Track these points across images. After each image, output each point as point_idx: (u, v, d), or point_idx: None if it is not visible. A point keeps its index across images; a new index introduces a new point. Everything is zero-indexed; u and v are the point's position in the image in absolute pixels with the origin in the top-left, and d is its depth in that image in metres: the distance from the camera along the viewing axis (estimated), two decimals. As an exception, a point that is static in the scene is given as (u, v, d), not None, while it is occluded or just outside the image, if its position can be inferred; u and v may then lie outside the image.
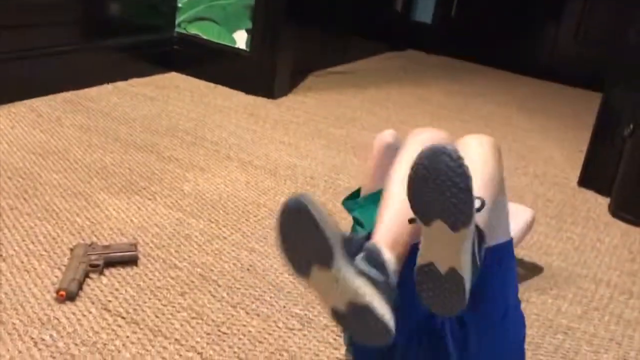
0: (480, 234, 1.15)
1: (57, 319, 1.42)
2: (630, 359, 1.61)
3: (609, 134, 2.55)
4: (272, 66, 3.19)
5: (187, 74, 3.33)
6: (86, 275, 1.58)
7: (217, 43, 3.28)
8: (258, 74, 3.20)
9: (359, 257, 1.15)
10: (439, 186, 1.05)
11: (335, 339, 1.50)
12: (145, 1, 3.20)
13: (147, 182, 2.13)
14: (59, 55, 2.78)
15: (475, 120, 3.38)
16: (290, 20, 3.20)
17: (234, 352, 1.41)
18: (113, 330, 1.42)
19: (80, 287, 1.53)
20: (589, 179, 2.62)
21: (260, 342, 1.45)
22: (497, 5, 4.58)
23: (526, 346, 1.39)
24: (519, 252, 2.01)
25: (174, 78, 3.29)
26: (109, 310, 1.48)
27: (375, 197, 1.62)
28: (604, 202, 2.50)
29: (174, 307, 1.53)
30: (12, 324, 1.39)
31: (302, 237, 1.12)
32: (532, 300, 1.79)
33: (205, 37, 3.31)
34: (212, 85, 3.26)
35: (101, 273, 1.60)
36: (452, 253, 1.09)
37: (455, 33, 4.72)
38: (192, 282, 1.63)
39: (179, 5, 3.33)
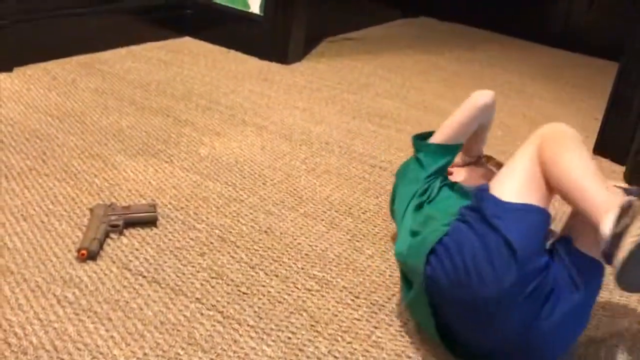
0: None
1: (79, 278, 1.44)
2: (645, 324, 1.62)
3: (625, 103, 2.54)
4: (286, 31, 3.17)
5: (201, 38, 3.32)
6: (106, 235, 1.59)
7: (230, 7, 3.26)
8: (271, 39, 3.18)
9: None
10: None
11: (353, 300, 1.51)
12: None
13: (163, 145, 2.14)
14: (73, 18, 2.77)
15: (490, 88, 3.30)
16: (304, -15, 3.17)
17: (255, 312, 1.42)
18: (134, 289, 1.44)
19: (101, 247, 1.55)
20: (604, 147, 2.61)
21: (279, 302, 1.47)
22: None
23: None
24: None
25: (188, 43, 3.28)
26: (130, 270, 1.50)
27: (448, 150, 1.63)
28: (619, 170, 2.50)
29: (193, 267, 1.54)
30: (35, 282, 1.41)
31: None
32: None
33: (218, 2, 3.29)
34: (225, 50, 3.25)
35: (121, 233, 1.61)
36: None
37: (468, 0, 4.67)
38: (211, 243, 1.65)
39: (193, -31, 3.30)
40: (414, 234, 1.44)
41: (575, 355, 1.45)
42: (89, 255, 1.50)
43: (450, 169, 1.79)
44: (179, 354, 1.28)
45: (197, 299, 1.44)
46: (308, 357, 1.32)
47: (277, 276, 1.56)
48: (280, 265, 1.61)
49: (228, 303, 1.44)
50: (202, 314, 1.39)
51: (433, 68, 3.58)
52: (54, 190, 1.77)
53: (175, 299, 1.42)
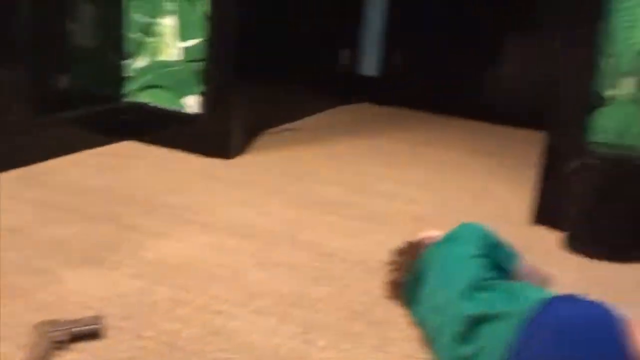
0: None
1: (25, 400, 1.40)
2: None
3: (555, 171, 2.64)
4: (226, 128, 3.23)
5: (141, 141, 3.34)
6: (51, 353, 1.55)
7: (168, 109, 3.32)
8: (212, 137, 3.23)
9: None
10: None
11: (309, 396, 1.50)
12: (93, 73, 3.23)
13: (108, 253, 2.12)
14: (11, 131, 2.77)
15: (427, 166, 3.46)
16: (241, 81, 3.26)
17: (209, 418, 1.40)
18: (83, 406, 1.40)
19: (46, 366, 1.51)
20: (539, 216, 2.69)
21: (234, 405, 1.44)
22: (439, 54, 4.73)
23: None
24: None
25: (128, 146, 3.30)
26: (78, 387, 1.46)
27: None
28: (556, 237, 2.57)
29: (144, 377, 1.51)
30: (-21, 410, 1.36)
31: None
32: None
33: (155, 104, 3.34)
34: (166, 150, 3.28)
35: (67, 349, 1.57)
36: None
37: (402, 84, 4.85)
38: (160, 351, 1.62)
39: (127, 75, 3.36)
40: None
41: None
42: (34, 376, 1.46)
43: None
44: None
45: (149, 410, 1.40)
46: None
47: (230, 378, 1.54)
48: (233, 366, 1.59)
49: (181, 412, 1.41)
50: None
51: (373, 151, 3.67)
52: (-4, 310, 1.73)
53: (126, 413, 1.39)
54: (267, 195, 2.81)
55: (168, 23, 3.23)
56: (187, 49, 3.23)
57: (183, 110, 3.29)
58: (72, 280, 1.92)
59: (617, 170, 2.43)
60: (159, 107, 3.34)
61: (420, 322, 1.62)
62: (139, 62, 3.34)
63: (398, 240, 1.95)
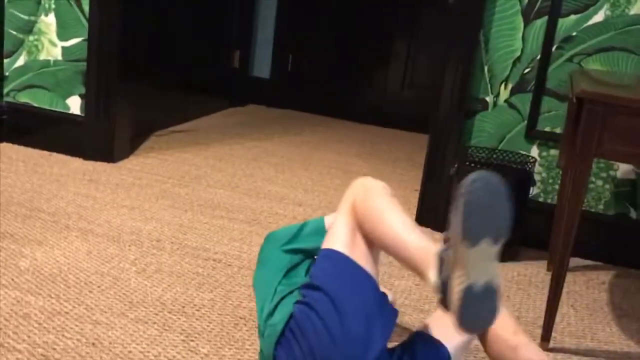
0: None
1: None
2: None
3: (438, 173, 2.73)
4: (110, 130, 3.14)
5: (19, 143, 3.20)
6: None
7: (49, 110, 3.19)
8: (95, 139, 3.13)
9: None
10: (494, 207, 1.21)
11: (188, 404, 1.48)
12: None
13: (-22, 263, 2.01)
14: None
15: (319, 169, 3.49)
16: (125, 82, 3.17)
17: None
18: None
19: None
20: (424, 217, 2.77)
21: (109, 418, 1.40)
22: (330, 58, 4.79)
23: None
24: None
25: (5, 149, 3.14)
26: (-61, 407, 1.37)
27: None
28: (440, 237, 2.65)
29: (13, 393, 1.44)
30: None
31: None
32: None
33: (36, 105, 3.20)
34: (46, 153, 3.15)
35: None
36: (490, 267, 1.23)
37: (292, 86, 4.87)
38: (33, 364, 1.55)
39: (6, 74, 3.20)
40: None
41: None
42: None
43: None
44: None
45: None
46: None
47: (106, 390, 1.50)
48: (110, 377, 1.54)
49: None
50: None
51: (264, 154, 3.67)
52: None
53: None
54: (153, 198, 2.76)
55: (48, 21, 3.11)
56: (67, 48, 3.11)
57: (65, 112, 3.17)
58: (-63, 292, 1.81)
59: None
60: (40, 108, 3.20)
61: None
62: (19, 61, 3.19)
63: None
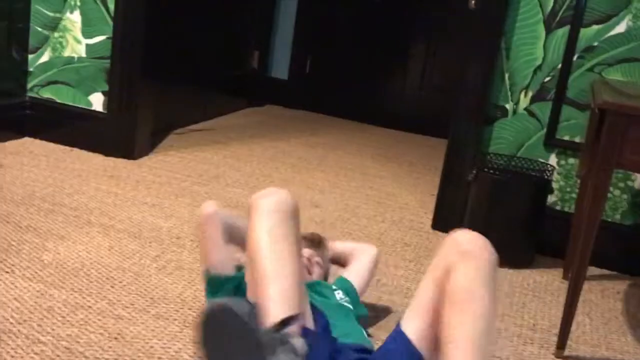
0: None
1: None
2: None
3: (456, 179, 2.74)
4: (131, 127, 3.18)
5: (42, 138, 3.24)
6: (-60, 360, 1.49)
7: (72, 106, 3.23)
8: (117, 136, 3.17)
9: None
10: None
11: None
12: (-6, 66, 3.10)
13: (3, 255, 2.05)
14: None
15: (335, 171, 3.51)
16: (148, 80, 3.21)
17: None
18: (-27, 415, 1.35)
19: None
20: (441, 222, 2.79)
21: (132, 411, 1.43)
22: (348, 60, 4.81)
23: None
24: (372, 295, 2.11)
25: (28, 143, 3.19)
26: (-32, 395, 1.41)
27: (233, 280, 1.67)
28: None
29: (39, 384, 1.48)
30: None
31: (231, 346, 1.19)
32: (396, 343, 1.87)
33: (59, 101, 3.25)
34: (68, 149, 3.19)
35: (-43, 356, 1.52)
36: None
37: (310, 88, 4.90)
38: (58, 356, 1.58)
39: (30, 69, 3.25)
40: None
41: None
42: None
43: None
44: None
45: (43, 418, 1.37)
46: None
47: (129, 384, 1.52)
48: (132, 371, 1.57)
49: (77, 419, 1.38)
50: None
51: (281, 154, 3.70)
52: None
53: (19, 422, 1.35)
54: (173, 196, 2.79)
55: (73, 18, 3.15)
56: (91, 45, 3.15)
57: (87, 108, 3.21)
58: (-37, 283, 1.85)
59: (510, 180, 2.55)
60: (62, 104, 3.24)
61: None
62: (43, 57, 3.23)
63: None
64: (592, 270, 2.50)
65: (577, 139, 2.59)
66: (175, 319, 1.82)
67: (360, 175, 3.50)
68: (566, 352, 1.93)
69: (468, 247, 1.38)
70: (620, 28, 2.48)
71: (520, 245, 2.55)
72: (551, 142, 2.63)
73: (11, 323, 1.68)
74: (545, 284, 2.41)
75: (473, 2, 2.66)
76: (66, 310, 1.79)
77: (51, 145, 3.20)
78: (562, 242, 2.49)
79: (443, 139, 2.92)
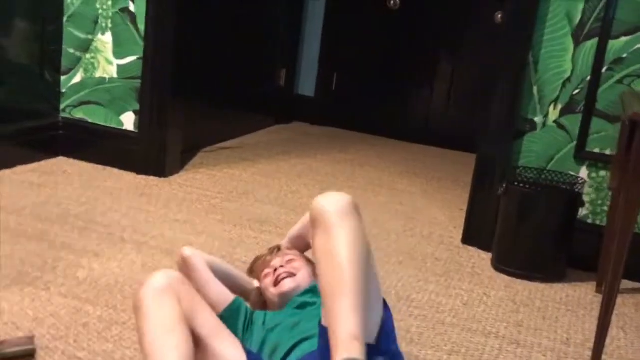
0: None
1: None
2: (522, 405, 1.71)
3: (486, 193, 2.74)
4: (162, 145, 3.22)
5: (75, 158, 3.30)
6: (-19, 375, 1.53)
7: (104, 126, 3.29)
8: (148, 154, 3.22)
9: None
10: None
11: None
12: (28, 88, 3.17)
13: (40, 272, 2.09)
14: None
15: (363, 187, 3.52)
16: (177, 99, 3.26)
17: None
18: None
19: (-25, 388, 1.48)
20: (471, 236, 2.78)
21: None
22: (374, 77, 4.83)
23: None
24: (402, 310, 2.11)
25: (62, 163, 3.25)
26: (8, 409, 1.43)
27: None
28: (486, 257, 2.67)
29: (76, 399, 1.50)
30: None
31: None
32: (428, 358, 1.87)
33: (91, 121, 3.31)
34: (101, 167, 3.25)
35: (-3, 371, 1.55)
36: None
37: (337, 105, 4.93)
38: (94, 371, 1.61)
39: (63, 90, 3.32)
40: None
41: None
42: (-39, 399, 1.43)
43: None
44: None
45: None
46: None
47: (164, 398, 1.54)
48: (168, 386, 1.59)
49: None
50: None
51: (308, 171, 3.72)
52: None
53: None
54: (203, 213, 2.82)
55: (104, 39, 3.21)
56: (122, 66, 3.21)
57: (119, 128, 3.27)
58: (2, 300, 1.89)
59: (540, 193, 2.54)
60: (95, 123, 3.31)
61: None
62: (76, 78, 3.30)
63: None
64: (625, 284, 2.46)
65: (607, 152, 2.57)
66: (209, 335, 1.84)
67: (389, 191, 3.51)
68: (601, 367, 1.91)
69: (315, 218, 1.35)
70: (650, 39, 2.47)
71: (552, 259, 2.53)
72: (581, 155, 2.62)
73: (48, 339, 1.71)
74: (578, 298, 2.39)
75: (499, 16, 2.67)
76: (101, 326, 1.82)
77: (84, 164, 3.26)
78: (594, 255, 2.47)
79: (470, 153, 2.92)
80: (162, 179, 3.20)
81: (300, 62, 4.96)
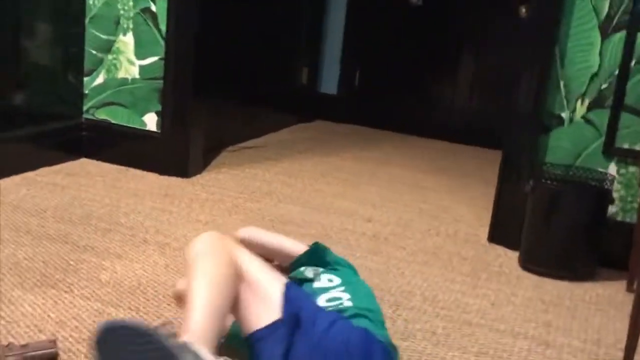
0: None
1: None
2: (552, 408, 1.67)
3: (512, 190, 2.69)
4: (184, 146, 3.22)
5: (98, 159, 3.30)
6: (4, 379, 1.52)
7: (127, 127, 3.29)
8: (170, 155, 3.21)
9: None
10: None
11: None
12: (51, 89, 3.18)
13: (62, 274, 2.08)
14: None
15: (387, 185, 3.49)
16: (199, 99, 3.25)
17: None
18: None
19: (-2, 392, 1.47)
20: (497, 235, 2.74)
21: None
22: (396, 73, 4.80)
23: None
24: (428, 310, 2.07)
25: (85, 164, 3.26)
26: (31, 414, 1.43)
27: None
28: (513, 256, 2.62)
29: (99, 403, 1.49)
30: None
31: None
32: None
33: (114, 122, 3.31)
34: (124, 168, 3.25)
35: (20, 375, 1.54)
36: None
37: (359, 102, 4.90)
38: (117, 374, 1.60)
39: (86, 92, 3.32)
40: None
41: None
42: (-16, 403, 1.42)
43: None
44: None
45: None
46: None
47: (187, 402, 1.52)
48: (190, 390, 1.57)
49: None
50: None
51: (332, 169, 3.69)
52: (-55, 334, 1.69)
53: None
54: (226, 213, 2.80)
55: (126, 40, 3.21)
56: (144, 66, 3.21)
57: (141, 128, 3.27)
58: (25, 303, 1.88)
59: (568, 191, 2.49)
60: (117, 124, 3.31)
61: None
62: (98, 79, 3.31)
63: (352, 259, 1.98)
64: (658, 283, 2.41)
65: (637, 147, 2.51)
66: (232, 337, 1.82)
67: (413, 189, 3.47)
68: (634, 368, 1.86)
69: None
70: (680, 31, 2.40)
71: (581, 257, 2.48)
72: (610, 151, 2.56)
73: (70, 342, 1.71)
74: (608, 297, 2.34)
75: (524, 9, 2.62)
76: (124, 328, 1.80)
77: (107, 165, 3.26)
78: (624, 253, 2.40)
79: (494, 149, 2.87)
80: (185, 179, 3.20)
81: (323, 59, 4.94)
